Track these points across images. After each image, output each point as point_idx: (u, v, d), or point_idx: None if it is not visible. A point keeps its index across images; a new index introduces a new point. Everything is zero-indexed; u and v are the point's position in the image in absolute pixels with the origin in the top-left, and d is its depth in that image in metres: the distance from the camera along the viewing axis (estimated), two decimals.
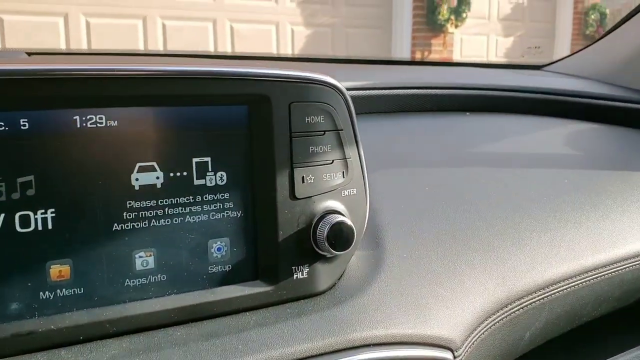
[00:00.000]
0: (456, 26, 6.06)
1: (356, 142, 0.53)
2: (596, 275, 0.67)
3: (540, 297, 0.62)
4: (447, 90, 0.97)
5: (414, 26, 5.89)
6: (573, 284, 0.65)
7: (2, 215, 0.41)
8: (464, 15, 6.02)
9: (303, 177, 0.50)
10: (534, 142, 0.91)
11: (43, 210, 0.42)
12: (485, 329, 0.57)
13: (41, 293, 0.42)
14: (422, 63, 1.46)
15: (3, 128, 0.40)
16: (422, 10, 5.88)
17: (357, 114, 0.53)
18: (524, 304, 0.61)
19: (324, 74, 0.51)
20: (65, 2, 4.57)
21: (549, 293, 0.63)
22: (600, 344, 0.82)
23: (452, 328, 0.53)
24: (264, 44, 5.23)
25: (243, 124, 0.48)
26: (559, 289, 0.64)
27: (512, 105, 1.04)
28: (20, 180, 0.41)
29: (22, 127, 0.41)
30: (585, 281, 0.66)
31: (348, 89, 0.81)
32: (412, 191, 0.68)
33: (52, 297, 0.42)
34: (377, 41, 5.74)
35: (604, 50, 1.24)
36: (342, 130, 0.51)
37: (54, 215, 0.42)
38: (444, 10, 5.85)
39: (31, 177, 0.41)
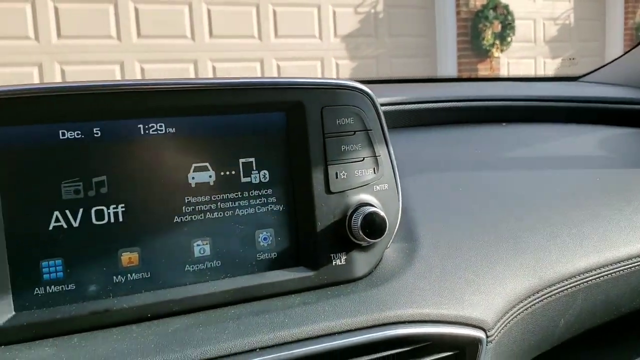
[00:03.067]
0: (502, 50, 6.05)
1: (385, 141, 0.58)
2: (630, 265, 0.70)
3: (571, 285, 0.65)
4: (483, 103, 1.01)
5: (459, 52, 5.92)
6: (605, 273, 0.67)
7: (81, 210, 0.48)
8: (509, 39, 6.02)
9: (336, 174, 0.55)
10: (567, 147, 0.94)
11: (115, 206, 0.49)
12: (517, 313, 0.60)
13: (114, 277, 0.49)
14: (463, 80, 1.51)
15: (80, 136, 0.48)
16: (466, 37, 5.92)
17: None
18: (556, 291, 0.64)
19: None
20: (121, 50, 4.82)
21: (581, 281, 0.66)
22: None
23: (484, 310, 0.57)
24: None
25: (282, 128, 0.54)
26: (590, 278, 0.66)
27: (547, 114, 1.07)
28: (95, 179, 0.48)
29: (95, 135, 0.49)
30: (618, 271, 0.68)
31: (392, 104, 0.86)
32: (447, 192, 0.72)
33: (123, 280, 0.49)
34: (423, 69, 5.79)
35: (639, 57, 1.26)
36: (370, 130, 0.57)
37: (124, 209, 0.49)
38: (489, 36, 5.87)
39: (104, 177, 0.49)
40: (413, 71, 5.70)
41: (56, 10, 4.45)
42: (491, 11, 5.79)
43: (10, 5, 4.17)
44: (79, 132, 0.48)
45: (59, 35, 4.51)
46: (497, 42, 5.95)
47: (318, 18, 5.42)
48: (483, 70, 5.99)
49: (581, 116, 1.08)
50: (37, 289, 0.47)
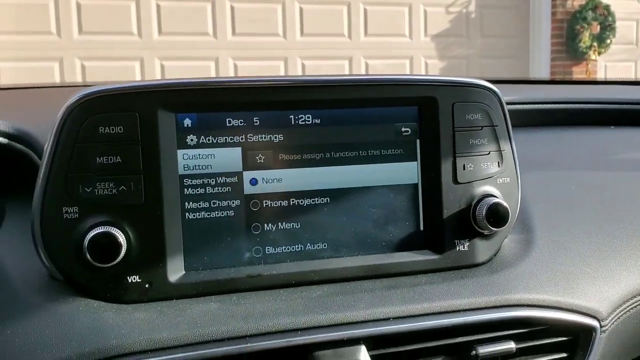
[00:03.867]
0: (599, 53, 5.81)
1: (509, 137, 0.62)
2: None
3: None
4: (593, 106, 1.02)
5: (553, 54, 5.74)
6: None
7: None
8: (608, 41, 5.77)
9: (464, 165, 0.60)
10: None
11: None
12: (630, 307, 0.63)
13: (267, 247, 0.56)
14: (577, 82, 1.50)
15: (243, 123, 0.55)
16: (561, 39, 5.73)
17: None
18: None
19: None
20: (216, 47, 5.01)
21: None
22: None
23: (599, 301, 0.60)
24: None
25: (414, 121, 0.60)
26: None
27: None
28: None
29: (254, 123, 0.56)
30: None
31: (510, 103, 0.89)
32: (560, 189, 0.75)
33: (273, 251, 0.56)
34: (514, 71, 5.66)
35: None
36: (497, 126, 0.61)
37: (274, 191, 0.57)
38: (586, 38, 5.65)
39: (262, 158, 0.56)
40: (504, 72, 5.59)
41: (158, 7, 4.68)
42: (590, 12, 5.57)
43: (117, 3, 4.43)
44: (242, 120, 0.55)
45: (159, 32, 4.74)
46: (595, 44, 5.71)
47: (409, 17, 5.41)
48: (578, 74, 5.77)
49: None
50: (203, 253, 0.55)
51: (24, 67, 4.08)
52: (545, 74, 5.67)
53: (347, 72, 5.34)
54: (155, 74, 4.82)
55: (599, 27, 5.67)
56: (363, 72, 5.37)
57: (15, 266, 0.55)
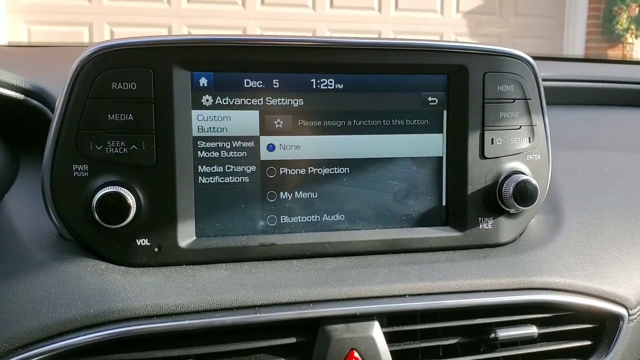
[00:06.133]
0: (637, 36, 5.63)
1: (542, 112, 0.59)
2: None
3: None
4: (629, 86, 0.97)
5: (588, 36, 5.58)
6: None
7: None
8: None
9: (492, 139, 0.57)
10: None
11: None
12: None
13: (282, 216, 0.54)
14: (606, 61, 1.44)
15: (261, 85, 0.53)
16: (597, 20, 5.55)
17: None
18: None
19: None
20: (244, 17, 4.96)
21: None
22: None
23: (627, 288, 0.57)
24: None
25: (443, 90, 0.56)
26: None
27: None
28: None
29: (274, 86, 0.53)
30: None
31: (544, 80, 0.86)
32: (593, 170, 0.71)
33: (290, 220, 0.54)
34: (547, 51, 5.52)
35: None
36: (530, 99, 0.58)
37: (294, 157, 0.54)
38: (623, 20, 5.47)
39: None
40: (536, 53, 5.45)
41: None
42: None
43: None
44: (261, 82, 0.53)
45: None
46: (633, 26, 5.53)
47: None
48: (613, 57, 5.60)
49: None
50: (216, 219, 0.53)
51: (54, 30, 4.09)
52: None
53: None
54: None
55: (637, 9, 5.49)
56: None
57: (26, 224, 0.54)
